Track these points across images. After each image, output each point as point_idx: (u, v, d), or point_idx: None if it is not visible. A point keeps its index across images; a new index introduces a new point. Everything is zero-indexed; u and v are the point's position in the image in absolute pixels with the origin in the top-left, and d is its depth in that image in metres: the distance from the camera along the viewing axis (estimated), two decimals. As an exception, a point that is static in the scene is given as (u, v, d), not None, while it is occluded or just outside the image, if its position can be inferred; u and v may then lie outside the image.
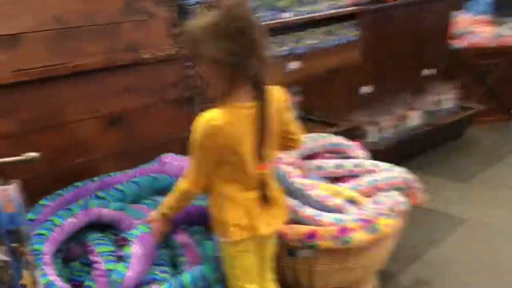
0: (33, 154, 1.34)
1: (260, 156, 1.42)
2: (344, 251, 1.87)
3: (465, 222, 2.70)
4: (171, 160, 2.04)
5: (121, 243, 1.67)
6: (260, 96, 1.38)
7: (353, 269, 1.95)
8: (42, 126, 1.79)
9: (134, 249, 1.56)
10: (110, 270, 1.52)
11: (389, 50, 3.44)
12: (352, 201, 1.99)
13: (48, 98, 1.78)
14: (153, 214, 1.65)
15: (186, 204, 1.61)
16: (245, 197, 1.47)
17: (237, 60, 1.32)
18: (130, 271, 1.50)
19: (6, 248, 1.20)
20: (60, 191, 1.80)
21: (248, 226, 1.48)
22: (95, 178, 1.90)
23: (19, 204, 1.33)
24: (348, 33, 3.06)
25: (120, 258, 1.57)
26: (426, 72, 3.80)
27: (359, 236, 1.82)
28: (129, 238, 1.61)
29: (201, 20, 1.35)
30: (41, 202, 1.75)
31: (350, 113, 3.14)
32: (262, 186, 1.47)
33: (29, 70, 1.71)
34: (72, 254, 1.73)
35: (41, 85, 1.75)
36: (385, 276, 2.23)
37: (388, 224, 1.89)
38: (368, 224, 1.85)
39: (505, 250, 2.42)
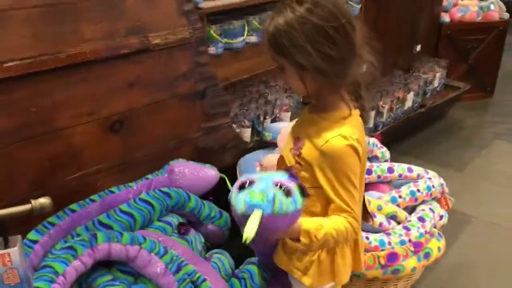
0: (42, 201, 0.96)
1: None
2: (386, 278, 1.64)
3: (472, 220, 2.57)
4: (182, 168, 1.68)
5: None
6: (360, 101, 1.14)
7: (390, 292, 1.74)
8: (26, 134, 1.36)
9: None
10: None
11: (387, 25, 3.16)
12: (393, 217, 1.75)
13: (34, 100, 1.34)
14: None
15: None
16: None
17: (342, 68, 1.04)
18: None
19: None
20: (52, 219, 1.40)
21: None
22: (95, 197, 1.51)
23: (24, 270, 0.95)
24: (352, 5, 2.77)
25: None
26: (418, 48, 3.58)
27: (411, 264, 1.60)
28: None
29: (288, 15, 0.99)
30: (29, 236, 1.35)
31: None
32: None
33: (8, 64, 1.26)
34: (72, 300, 1.36)
35: (24, 83, 1.31)
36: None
37: (439, 247, 1.68)
38: (419, 248, 1.63)
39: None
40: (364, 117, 1.16)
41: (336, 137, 1.06)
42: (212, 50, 2.03)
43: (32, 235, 1.35)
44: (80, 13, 1.40)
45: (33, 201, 0.93)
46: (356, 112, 1.13)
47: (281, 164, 1.20)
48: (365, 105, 1.15)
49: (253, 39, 2.21)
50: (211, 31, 2.04)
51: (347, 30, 1.02)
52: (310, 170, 1.11)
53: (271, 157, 1.43)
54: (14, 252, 0.96)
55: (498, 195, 2.82)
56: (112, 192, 1.55)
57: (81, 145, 1.48)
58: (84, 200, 1.49)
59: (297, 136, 1.15)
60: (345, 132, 1.06)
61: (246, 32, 2.18)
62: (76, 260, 1.28)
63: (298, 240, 1.07)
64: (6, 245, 0.96)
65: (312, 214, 1.14)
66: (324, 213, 1.14)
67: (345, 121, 1.09)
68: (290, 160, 1.16)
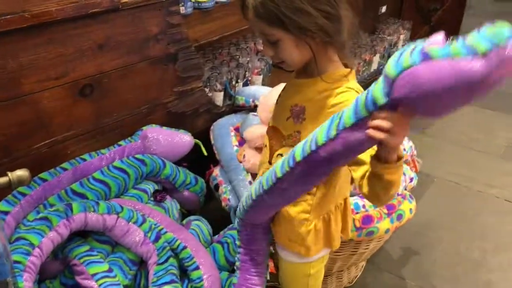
0: (20, 173, 0.90)
1: None
2: (360, 240, 1.68)
3: (435, 180, 2.66)
4: (155, 134, 1.63)
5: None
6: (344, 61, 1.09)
7: (362, 253, 1.78)
8: (-11, 100, 1.27)
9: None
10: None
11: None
12: (366, 181, 1.77)
13: (-2, 62, 1.25)
14: None
15: None
16: None
17: (341, 25, 1.00)
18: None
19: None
20: (23, 188, 1.33)
21: None
22: (66, 165, 1.45)
23: (2, 245, 0.91)
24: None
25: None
26: (383, 9, 3.58)
27: (385, 226, 1.64)
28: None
29: None
30: (0, 207, 1.28)
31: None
32: None
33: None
34: (48, 272, 1.32)
35: (-13, 44, 1.22)
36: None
37: (411, 208, 1.73)
38: (392, 210, 1.67)
39: (478, 214, 2.43)
40: None
41: (346, 90, 1.03)
42: (181, 9, 1.94)
43: (2, 206, 1.29)
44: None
45: (10, 174, 0.87)
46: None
47: (274, 135, 1.16)
48: (351, 65, 1.11)
49: (224, -3, 2.13)
50: (180, -11, 1.95)
51: None
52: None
53: (254, 130, 1.37)
54: (-10, 227, 0.91)
55: (459, 155, 2.93)
56: (84, 159, 1.49)
57: (49, 111, 1.40)
58: (55, 169, 1.42)
59: (294, 104, 1.10)
60: (352, 86, 1.04)
61: (216, -9, 2.09)
62: (52, 231, 1.23)
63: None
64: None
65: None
66: (326, 181, 1.11)
67: (348, 78, 1.06)
68: (287, 129, 1.12)
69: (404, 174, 1.83)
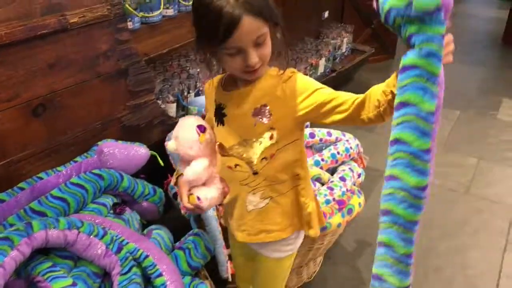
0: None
1: None
2: (315, 234, 1.78)
3: (383, 174, 2.80)
4: (111, 148, 1.67)
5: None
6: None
7: (318, 249, 1.88)
8: None
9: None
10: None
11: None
12: (318, 179, 1.88)
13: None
14: None
15: None
16: None
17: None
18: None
19: None
20: (-20, 211, 1.34)
21: None
22: (23, 185, 1.47)
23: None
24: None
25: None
26: (326, 14, 3.73)
27: (336, 220, 1.74)
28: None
29: None
30: (-42, 231, 1.29)
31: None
32: None
33: None
34: (12, 291, 1.33)
35: None
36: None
37: (360, 202, 1.84)
38: (342, 205, 1.77)
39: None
40: None
41: (293, 73, 1.11)
42: (129, 25, 1.99)
43: (-40, 230, 1.29)
44: (-10, -6, 1.31)
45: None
46: None
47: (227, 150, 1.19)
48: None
49: (170, 12, 2.19)
50: (127, 5, 1.99)
51: None
52: (287, 125, 1.13)
53: (195, 168, 1.19)
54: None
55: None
56: (40, 178, 1.51)
57: (3, 132, 1.41)
58: (13, 189, 1.44)
59: (254, 108, 1.12)
60: (293, 70, 1.13)
61: (162, 5, 2.15)
62: (13, 250, 1.25)
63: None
64: None
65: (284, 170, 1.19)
66: (297, 162, 1.20)
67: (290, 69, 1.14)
68: (257, 134, 1.14)
69: (352, 170, 1.95)
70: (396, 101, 0.91)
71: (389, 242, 0.95)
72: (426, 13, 0.83)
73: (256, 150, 1.15)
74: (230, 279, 1.64)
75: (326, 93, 1.09)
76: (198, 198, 1.18)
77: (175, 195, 1.81)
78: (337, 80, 3.57)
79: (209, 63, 1.12)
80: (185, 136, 1.18)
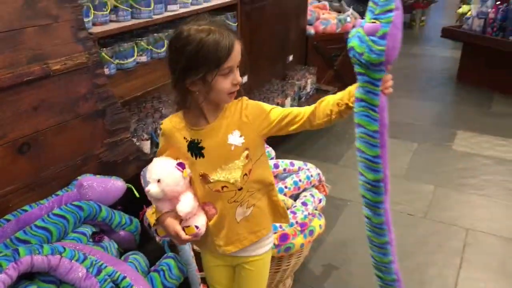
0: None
1: None
2: (280, 256, 1.93)
3: (348, 203, 3.00)
4: (90, 182, 1.82)
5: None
6: None
7: (285, 270, 2.03)
8: None
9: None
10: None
11: (262, 39, 3.52)
12: (282, 205, 2.05)
13: None
14: None
15: None
16: None
17: None
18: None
19: None
20: (-31, 241, 1.47)
21: None
22: (9, 217, 1.60)
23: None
24: (230, 23, 3.06)
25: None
26: (290, 58, 4.00)
27: (299, 241, 1.91)
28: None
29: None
30: (-51, 259, 1.41)
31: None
32: None
33: None
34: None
35: None
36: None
37: (320, 224, 2.02)
38: (305, 227, 1.94)
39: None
40: None
41: (241, 98, 1.38)
42: (105, 71, 2.18)
43: (-49, 258, 1.41)
44: (-18, 46, 1.49)
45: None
46: None
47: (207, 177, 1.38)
48: None
49: (143, 58, 2.39)
50: (103, 54, 2.19)
51: None
52: (256, 143, 1.38)
53: (186, 204, 1.35)
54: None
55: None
56: (25, 210, 1.64)
57: (-8, 168, 1.56)
58: (-1, 220, 1.57)
59: (227, 137, 1.34)
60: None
61: (136, 53, 2.35)
62: (1, 274, 1.38)
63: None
64: None
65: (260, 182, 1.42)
66: (267, 170, 1.46)
67: None
68: (235, 156, 1.35)
69: (313, 196, 2.13)
70: (355, 121, 1.30)
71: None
72: (371, 64, 1.17)
73: (238, 170, 1.36)
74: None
75: (279, 110, 1.38)
76: (197, 227, 1.34)
77: (150, 225, 1.95)
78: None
79: (186, 97, 1.34)
80: (169, 176, 1.33)
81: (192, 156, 1.38)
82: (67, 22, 1.74)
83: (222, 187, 1.38)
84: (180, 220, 1.37)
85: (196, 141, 1.37)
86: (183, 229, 1.35)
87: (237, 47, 1.28)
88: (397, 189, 3.17)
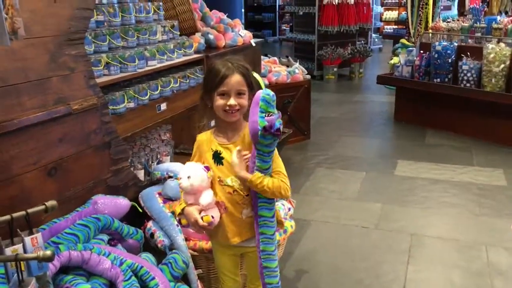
0: (53, 203, 1.50)
1: None
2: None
3: (311, 222, 3.48)
4: (102, 200, 2.22)
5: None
6: None
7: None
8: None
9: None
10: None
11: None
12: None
13: (-4, 155, 1.81)
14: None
15: None
16: None
17: None
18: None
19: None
20: (17, 244, 1.82)
21: None
22: (44, 226, 1.97)
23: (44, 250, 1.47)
24: (198, 75, 3.57)
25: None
26: (249, 106, 4.55)
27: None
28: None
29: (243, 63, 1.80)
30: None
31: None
32: None
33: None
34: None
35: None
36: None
37: (292, 225, 2.47)
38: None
39: (345, 239, 3.27)
40: None
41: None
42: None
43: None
44: (20, 91, 1.91)
45: (46, 203, 1.45)
46: None
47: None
48: None
49: (131, 105, 2.84)
50: (100, 101, 2.63)
51: None
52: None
53: (205, 196, 1.78)
54: (39, 236, 1.45)
55: (325, 203, 3.82)
56: (55, 222, 2.01)
57: (28, 187, 1.94)
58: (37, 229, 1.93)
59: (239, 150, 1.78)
60: None
61: (126, 100, 2.81)
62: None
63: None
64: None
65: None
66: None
67: None
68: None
69: (284, 205, 2.60)
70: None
71: None
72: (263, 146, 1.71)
73: None
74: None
75: (277, 162, 1.90)
76: (213, 217, 1.76)
77: (152, 234, 2.35)
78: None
79: (205, 109, 1.83)
80: (197, 174, 1.77)
81: (214, 163, 1.83)
82: (81, 72, 2.20)
83: (233, 191, 1.82)
84: (200, 211, 1.79)
85: (218, 151, 1.83)
86: (202, 218, 1.77)
87: (235, 78, 1.71)
88: (352, 209, 3.70)
